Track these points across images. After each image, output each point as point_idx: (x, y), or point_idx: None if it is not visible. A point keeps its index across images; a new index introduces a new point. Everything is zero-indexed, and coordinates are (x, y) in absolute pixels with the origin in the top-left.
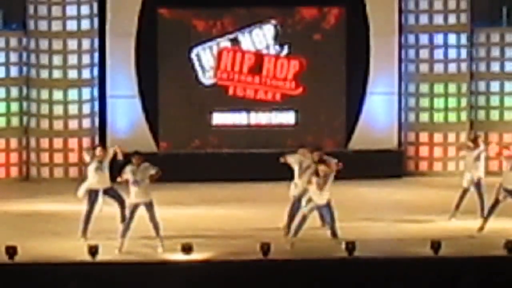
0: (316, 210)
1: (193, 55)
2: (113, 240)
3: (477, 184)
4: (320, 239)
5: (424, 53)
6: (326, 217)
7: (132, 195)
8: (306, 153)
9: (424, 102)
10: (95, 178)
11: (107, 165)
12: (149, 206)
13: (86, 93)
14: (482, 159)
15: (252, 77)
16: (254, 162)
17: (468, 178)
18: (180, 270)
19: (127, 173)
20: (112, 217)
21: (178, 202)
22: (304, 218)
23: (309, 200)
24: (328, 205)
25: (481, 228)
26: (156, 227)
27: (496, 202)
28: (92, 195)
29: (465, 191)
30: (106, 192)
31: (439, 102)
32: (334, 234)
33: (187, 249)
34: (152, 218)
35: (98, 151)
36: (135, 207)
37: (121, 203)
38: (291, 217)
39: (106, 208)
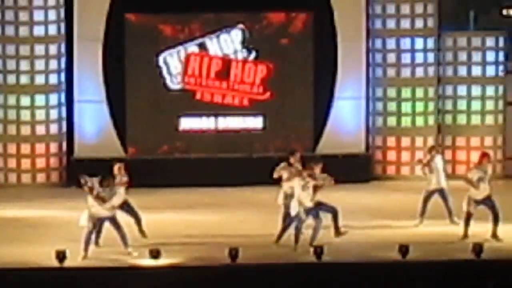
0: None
1: (160, 60)
2: (81, 245)
3: (441, 192)
4: (288, 244)
5: (391, 58)
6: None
7: (98, 208)
8: (297, 159)
9: (392, 107)
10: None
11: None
12: (113, 220)
13: (53, 98)
14: (437, 169)
15: (219, 82)
16: (222, 167)
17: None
18: (148, 276)
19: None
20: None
21: (146, 207)
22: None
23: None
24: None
25: (464, 236)
26: (123, 238)
27: (469, 215)
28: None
29: (427, 196)
30: (122, 207)
31: (406, 107)
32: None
33: (155, 254)
34: (118, 230)
35: (117, 167)
36: (100, 220)
37: (137, 218)
38: (284, 228)
39: (71, 214)
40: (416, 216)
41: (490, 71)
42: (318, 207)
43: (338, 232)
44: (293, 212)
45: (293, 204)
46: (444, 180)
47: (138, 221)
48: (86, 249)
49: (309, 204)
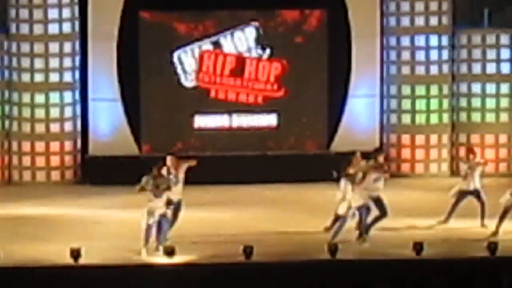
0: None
1: (174, 58)
2: (96, 242)
3: (476, 194)
4: (303, 241)
5: (405, 55)
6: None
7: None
8: (358, 159)
9: (406, 104)
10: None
11: (182, 178)
12: (164, 216)
13: (68, 96)
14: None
15: (233, 80)
16: (236, 164)
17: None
18: (163, 273)
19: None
20: (95, 222)
21: None
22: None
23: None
24: (364, 206)
25: (496, 232)
26: (160, 234)
27: (506, 212)
28: (175, 205)
29: (459, 198)
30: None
31: (420, 104)
32: (360, 234)
33: (169, 252)
34: (164, 225)
35: (169, 160)
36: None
37: (173, 222)
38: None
39: (86, 211)
40: (430, 213)
41: (505, 68)
42: (374, 203)
43: (363, 237)
44: (341, 211)
45: (342, 205)
46: (479, 181)
47: (173, 223)
48: (147, 243)
49: (359, 203)
